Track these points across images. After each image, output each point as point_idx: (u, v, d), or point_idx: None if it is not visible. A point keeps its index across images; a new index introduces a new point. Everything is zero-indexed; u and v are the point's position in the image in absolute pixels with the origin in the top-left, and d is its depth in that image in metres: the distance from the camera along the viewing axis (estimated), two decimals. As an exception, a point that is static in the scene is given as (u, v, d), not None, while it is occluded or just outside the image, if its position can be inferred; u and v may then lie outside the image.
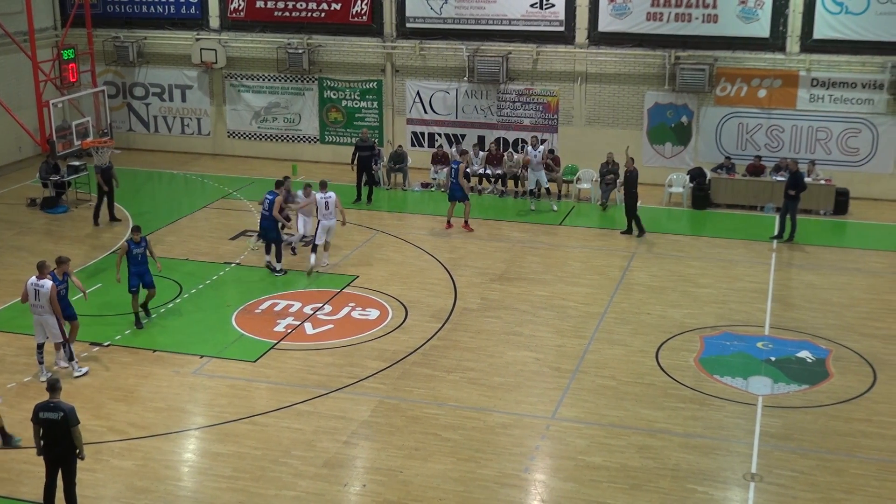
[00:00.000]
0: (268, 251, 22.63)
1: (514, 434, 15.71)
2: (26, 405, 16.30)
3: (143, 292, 19.62)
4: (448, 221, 25.50)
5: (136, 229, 19.61)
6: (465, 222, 25.35)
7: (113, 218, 26.09)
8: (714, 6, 28.17)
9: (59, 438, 12.93)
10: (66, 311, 17.46)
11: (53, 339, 17.35)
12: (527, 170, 27.44)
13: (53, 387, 13.08)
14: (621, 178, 25.82)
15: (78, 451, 13.10)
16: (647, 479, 14.39)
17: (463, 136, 30.70)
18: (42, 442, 13.03)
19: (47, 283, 16.94)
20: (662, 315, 20.26)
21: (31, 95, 29.35)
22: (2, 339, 19.13)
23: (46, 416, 12.88)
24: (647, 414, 16.27)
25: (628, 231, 24.98)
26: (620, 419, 16.11)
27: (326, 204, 22.25)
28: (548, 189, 27.86)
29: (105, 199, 25.92)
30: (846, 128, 28.07)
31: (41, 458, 13.19)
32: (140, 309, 19.67)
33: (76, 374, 17.49)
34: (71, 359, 17.60)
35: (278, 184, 22.81)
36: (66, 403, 13.05)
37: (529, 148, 27.28)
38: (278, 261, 22.42)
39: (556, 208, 27.27)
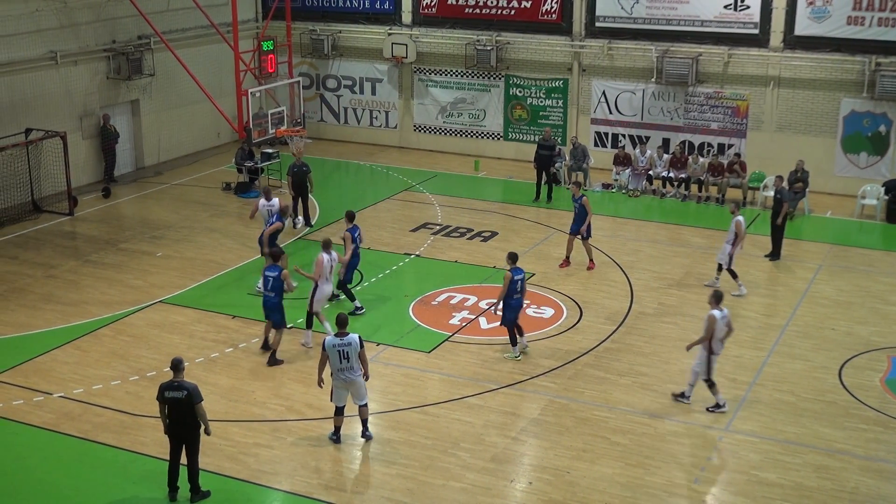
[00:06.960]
0: None
1: (685, 443, 15.48)
2: (214, 380, 17.18)
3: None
4: (567, 259, 23.06)
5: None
6: (591, 259, 22.90)
7: (307, 221, 25.62)
8: (922, 11, 26.86)
9: (183, 416, 13.52)
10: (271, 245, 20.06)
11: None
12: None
13: (177, 367, 13.66)
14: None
15: (204, 427, 13.69)
16: (823, 500, 13.93)
17: (647, 138, 30.31)
18: (167, 420, 13.61)
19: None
20: (848, 331, 19.51)
21: (232, 84, 30.64)
22: (194, 315, 20.15)
23: (172, 396, 13.48)
24: (826, 433, 15.74)
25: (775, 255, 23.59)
26: (798, 436, 15.64)
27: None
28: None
29: (298, 201, 25.46)
30: None
31: (167, 435, 13.77)
32: None
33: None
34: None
35: None
36: (190, 382, 13.64)
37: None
38: None
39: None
